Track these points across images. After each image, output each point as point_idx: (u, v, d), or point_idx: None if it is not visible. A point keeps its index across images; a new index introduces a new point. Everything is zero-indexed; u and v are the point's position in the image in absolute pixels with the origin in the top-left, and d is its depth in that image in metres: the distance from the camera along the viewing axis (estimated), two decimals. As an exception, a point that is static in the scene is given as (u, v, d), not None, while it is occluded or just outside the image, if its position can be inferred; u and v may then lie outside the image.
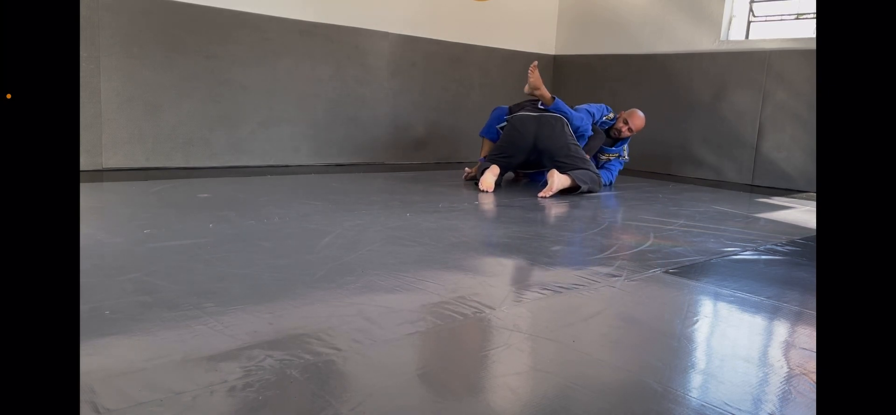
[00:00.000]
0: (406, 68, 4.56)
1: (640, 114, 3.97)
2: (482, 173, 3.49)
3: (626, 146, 4.02)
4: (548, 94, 3.64)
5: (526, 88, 3.68)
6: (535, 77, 3.61)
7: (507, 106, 3.89)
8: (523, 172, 3.91)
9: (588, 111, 3.81)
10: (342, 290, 1.55)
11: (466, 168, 3.89)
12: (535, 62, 3.73)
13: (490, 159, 3.60)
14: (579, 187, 3.44)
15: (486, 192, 3.38)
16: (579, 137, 3.68)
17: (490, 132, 3.84)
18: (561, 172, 3.41)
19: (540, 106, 3.69)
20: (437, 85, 4.77)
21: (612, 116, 3.94)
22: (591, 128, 3.78)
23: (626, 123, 3.93)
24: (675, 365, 1.23)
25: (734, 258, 2.15)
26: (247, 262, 1.75)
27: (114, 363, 1.09)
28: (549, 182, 3.36)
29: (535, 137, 3.53)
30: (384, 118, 4.51)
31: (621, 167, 4.00)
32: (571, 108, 3.72)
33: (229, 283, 1.56)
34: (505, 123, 3.71)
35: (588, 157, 3.66)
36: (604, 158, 3.97)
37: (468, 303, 1.50)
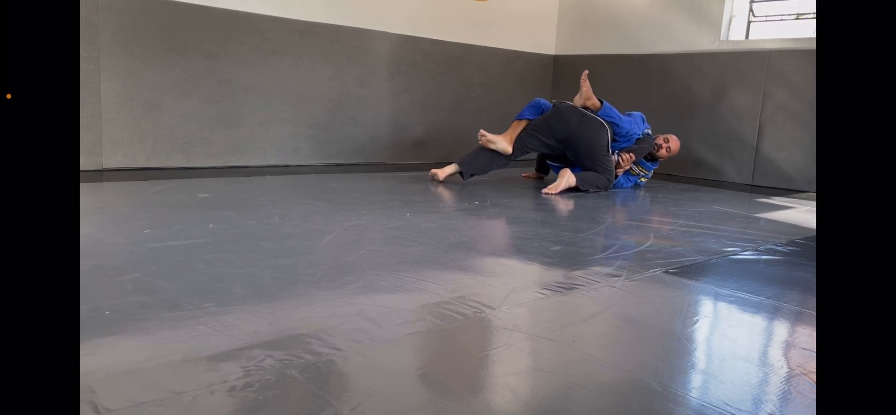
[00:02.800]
0: (406, 68, 4.56)
1: (677, 140, 4.05)
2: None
3: (654, 168, 4.05)
4: (597, 102, 3.69)
5: (578, 100, 3.71)
6: (587, 87, 3.68)
7: (546, 100, 3.89)
8: (549, 163, 3.93)
9: (642, 117, 3.91)
10: (342, 290, 1.55)
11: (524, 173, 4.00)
12: (586, 71, 3.74)
13: (523, 131, 3.66)
14: (587, 191, 3.53)
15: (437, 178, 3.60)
16: (626, 139, 3.75)
17: (523, 116, 3.78)
18: (575, 172, 3.52)
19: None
20: (437, 85, 4.77)
21: (649, 132, 3.98)
22: (640, 132, 3.83)
23: (667, 140, 3.96)
24: (675, 365, 1.23)
25: (734, 258, 2.15)
26: (247, 262, 1.75)
27: (114, 363, 1.09)
28: (558, 179, 3.45)
29: (573, 129, 3.59)
30: (384, 118, 4.51)
31: (641, 186, 4.00)
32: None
33: (229, 283, 1.56)
34: (551, 108, 3.73)
35: (612, 167, 3.67)
36: (637, 170, 3.96)
37: (468, 303, 1.50)
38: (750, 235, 2.56)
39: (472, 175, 3.63)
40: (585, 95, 3.70)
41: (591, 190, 3.53)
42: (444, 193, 3.26)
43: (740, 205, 3.45)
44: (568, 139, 3.60)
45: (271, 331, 1.26)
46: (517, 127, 3.69)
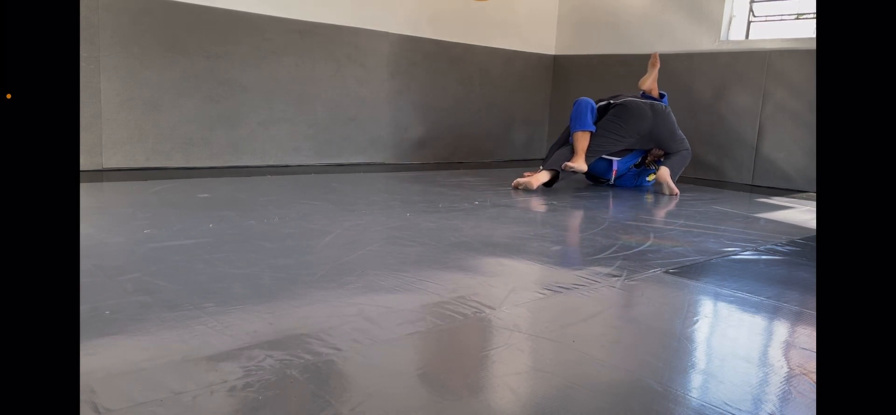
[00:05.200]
0: (406, 68, 4.56)
1: None
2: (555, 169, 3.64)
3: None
4: (657, 91, 3.87)
5: (646, 83, 3.84)
6: (657, 71, 3.86)
7: (587, 98, 3.89)
8: (592, 173, 3.92)
9: None
10: (342, 290, 1.55)
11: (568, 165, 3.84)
12: (657, 53, 3.92)
13: (592, 144, 3.69)
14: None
15: (528, 189, 3.53)
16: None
17: (587, 124, 3.75)
18: (668, 157, 3.77)
19: (646, 98, 3.84)
20: (437, 85, 4.77)
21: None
22: None
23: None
24: (675, 365, 1.23)
25: (734, 258, 2.15)
26: (247, 262, 1.75)
27: (114, 363, 1.09)
28: (664, 183, 3.66)
29: (653, 124, 3.72)
30: (384, 118, 4.51)
31: (647, 187, 4.01)
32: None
33: (229, 283, 1.56)
34: (615, 107, 3.77)
35: (684, 137, 3.84)
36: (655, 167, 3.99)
37: (468, 303, 1.50)
38: (750, 235, 2.56)
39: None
40: (654, 78, 3.84)
41: (673, 174, 3.71)
42: (445, 192, 3.25)
43: (740, 205, 3.45)
44: (650, 132, 3.73)
45: (271, 331, 1.26)
46: (584, 139, 3.70)
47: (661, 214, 3.02)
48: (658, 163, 3.91)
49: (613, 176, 3.85)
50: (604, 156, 3.81)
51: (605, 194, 3.55)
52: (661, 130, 3.73)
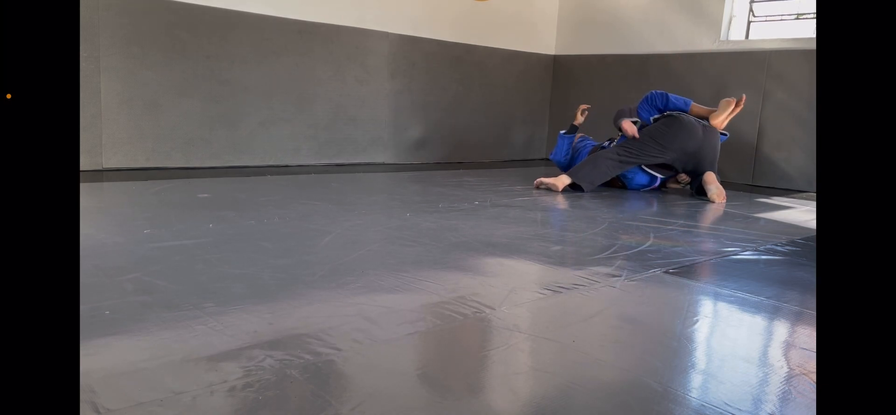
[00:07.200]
0: (406, 68, 4.56)
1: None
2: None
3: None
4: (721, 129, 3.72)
5: (718, 121, 3.58)
6: (736, 113, 3.63)
7: (569, 135, 3.95)
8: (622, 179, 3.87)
9: None
10: (342, 290, 1.55)
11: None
12: (744, 96, 3.64)
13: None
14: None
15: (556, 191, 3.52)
16: None
17: (562, 158, 3.91)
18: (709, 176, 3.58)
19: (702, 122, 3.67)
20: (437, 85, 4.77)
21: None
22: None
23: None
24: (675, 365, 1.23)
25: (734, 258, 2.15)
26: (247, 262, 1.75)
27: (114, 363, 1.09)
28: (716, 189, 3.49)
29: (701, 144, 3.56)
30: (384, 118, 4.51)
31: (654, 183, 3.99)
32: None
33: (229, 283, 1.56)
34: (665, 117, 3.62)
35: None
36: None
37: (468, 303, 1.50)
38: (750, 235, 2.56)
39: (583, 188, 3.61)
40: (727, 119, 3.60)
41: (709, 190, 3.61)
42: (445, 192, 3.25)
43: (740, 205, 3.45)
44: (696, 152, 3.56)
45: (271, 331, 1.26)
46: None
47: (661, 214, 3.01)
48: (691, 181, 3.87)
49: (658, 183, 3.81)
50: (643, 168, 3.67)
51: (606, 195, 3.55)
52: (707, 154, 3.56)
